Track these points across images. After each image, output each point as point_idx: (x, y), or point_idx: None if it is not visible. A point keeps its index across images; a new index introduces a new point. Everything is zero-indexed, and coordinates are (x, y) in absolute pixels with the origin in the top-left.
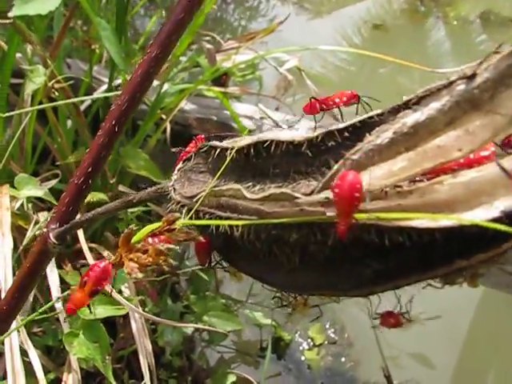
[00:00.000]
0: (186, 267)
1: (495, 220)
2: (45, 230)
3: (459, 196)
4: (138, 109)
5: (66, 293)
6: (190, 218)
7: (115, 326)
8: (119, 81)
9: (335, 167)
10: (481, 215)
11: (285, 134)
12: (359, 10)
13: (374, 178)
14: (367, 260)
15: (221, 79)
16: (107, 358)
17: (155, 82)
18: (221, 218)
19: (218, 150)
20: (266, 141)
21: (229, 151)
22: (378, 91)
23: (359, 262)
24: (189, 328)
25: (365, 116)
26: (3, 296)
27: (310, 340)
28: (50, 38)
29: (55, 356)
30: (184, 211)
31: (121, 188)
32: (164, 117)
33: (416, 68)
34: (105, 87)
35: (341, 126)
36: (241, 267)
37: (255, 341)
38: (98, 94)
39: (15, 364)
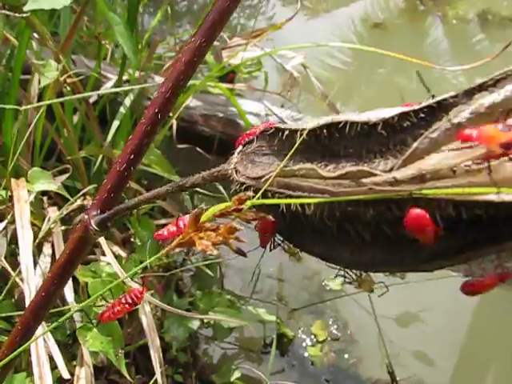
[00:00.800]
0: (190, 264)
1: None
2: (85, 216)
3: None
4: (145, 105)
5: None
6: (258, 199)
7: (121, 323)
8: (125, 77)
9: (414, 145)
10: None
11: (356, 116)
12: (358, 9)
13: (443, 157)
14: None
15: (227, 76)
16: (120, 351)
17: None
18: (291, 197)
19: (287, 132)
20: (340, 122)
21: (299, 133)
22: (378, 90)
23: None
24: (194, 323)
25: (439, 98)
26: (25, 285)
27: (313, 336)
28: (54, 34)
29: (64, 351)
30: (250, 192)
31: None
32: (170, 113)
33: (414, 64)
34: (111, 83)
35: (416, 107)
36: (304, 246)
37: (258, 337)
38: (107, 89)
39: (40, 356)
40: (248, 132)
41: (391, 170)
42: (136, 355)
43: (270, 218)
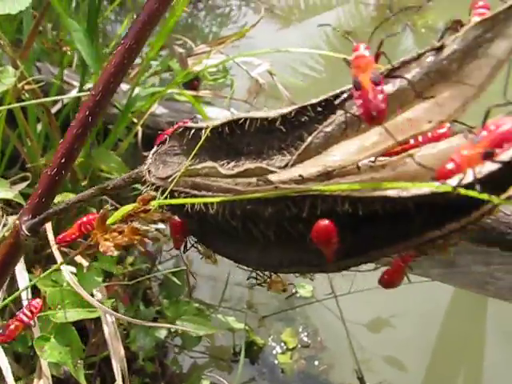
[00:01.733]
0: (158, 272)
1: (466, 187)
2: (17, 222)
3: (430, 166)
4: (108, 112)
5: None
6: (166, 199)
7: (86, 332)
8: (90, 85)
9: (308, 140)
10: (451, 182)
11: (259, 113)
12: (329, 19)
13: (347, 153)
14: (340, 233)
15: (192, 83)
16: (79, 361)
17: (126, 86)
18: (195, 197)
19: (193, 131)
20: (240, 119)
21: (203, 131)
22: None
23: None
24: (161, 333)
25: (338, 91)
26: None
27: (283, 344)
28: (19, 41)
29: (25, 363)
30: (159, 192)
31: None
32: (135, 121)
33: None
34: (76, 91)
35: (314, 101)
36: (216, 248)
37: (228, 345)
38: (69, 95)
39: None
40: (163, 132)
41: (286, 166)
42: (101, 366)
43: (176, 218)
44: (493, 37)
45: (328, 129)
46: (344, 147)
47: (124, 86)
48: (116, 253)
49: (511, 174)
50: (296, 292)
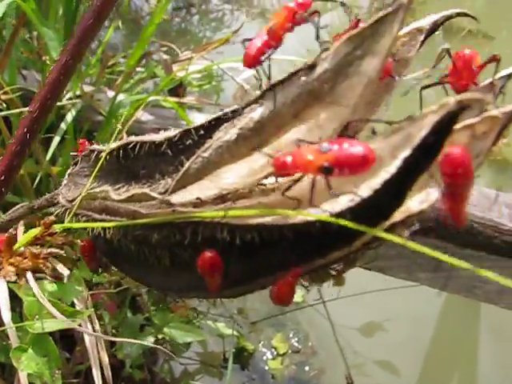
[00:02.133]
0: None
1: (340, 215)
2: None
3: (317, 191)
4: (93, 120)
5: None
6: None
7: (73, 341)
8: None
9: (186, 165)
10: (328, 209)
11: (152, 136)
12: (324, 21)
13: (239, 176)
14: (232, 260)
15: (176, 90)
16: (57, 372)
17: (112, 93)
18: (95, 220)
19: (95, 153)
20: (131, 142)
21: (102, 154)
22: None
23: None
24: (149, 340)
25: (220, 113)
26: None
27: (273, 349)
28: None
29: (8, 374)
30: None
31: None
32: (120, 127)
33: None
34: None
35: (197, 123)
36: (124, 270)
37: (219, 352)
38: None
39: None
40: (76, 152)
41: (166, 192)
42: (88, 374)
43: (79, 242)
44: (363, 54)
45: (206, 154)
46: (235, 170)
47: (110, 93)
48: (14, 277)
49: (389, 201)
50: None
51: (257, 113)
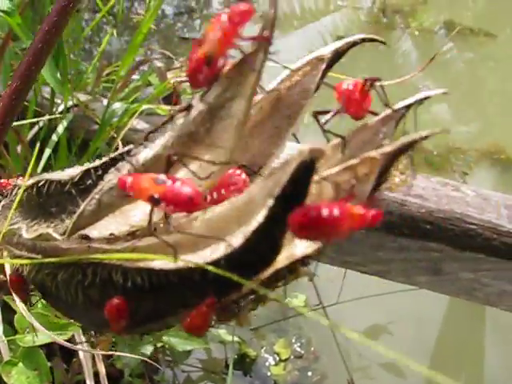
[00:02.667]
0: None
1: (216, 262)
2: None
3: (202, 233)
4: (89, 128)
5: None
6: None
7: (70, 351)
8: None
9: (81, 207)
10: (206, 256)
11: (60, 174)
12: (327, 24)
13: (144, 213)
14: (141, 298)
15: (171, 98)
16: None
17: (106, 102)
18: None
19: (16, 188)
20: (42, 180)
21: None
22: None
23: None
24: (147, 348)
25: (116, 153)
26: None
27: (275, 355)
28: None
29: None
30: None
31: None
32: (115, 136)
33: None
34: (60, 108)
35: (96, 163)
36: (52, 304)
37: (221, 358)
38: (40, 119)
39: None
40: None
41: (64, 233)
42: None
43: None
44: (231, 96)
45: (98, 196)
46: (140, 208)
47: (106, 102)
48: None
49: (266, 248)
50: (288, 302)
51: (142, 155)
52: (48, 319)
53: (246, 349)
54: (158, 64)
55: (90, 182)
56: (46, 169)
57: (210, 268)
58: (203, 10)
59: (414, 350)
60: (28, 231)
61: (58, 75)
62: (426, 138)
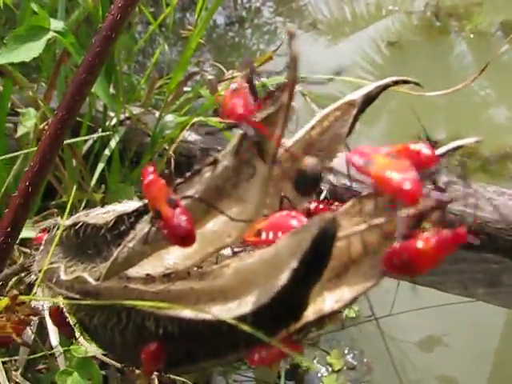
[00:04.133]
0: None
1: (242, 317)
2: None
3: (231, 282)
4: (142, 141)
5: None
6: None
7: None
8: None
9: (114, 255)
10: (234, 309)
11: (96, 218)
12: (379, 30)
13: (178, 257)
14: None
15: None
16: None
17: (157, 113)
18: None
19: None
20: (79, 223)
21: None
22: (395, 118)
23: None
24: None
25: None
26: None
27: (328, 366)
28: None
29: None
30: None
31: None
32: (167, 148)
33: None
34: (114, 120)
35: (128, 209)
36: (90, 338)
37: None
38: (91, 136)
39: None
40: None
41: (98, 279)
42: None
43: (44, 314)
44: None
45: (131, 244)
46: (173, 253)
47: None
48: None
49: (293, 304)
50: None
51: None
52: None
53: (298, 359)
54: (209, 76)
55: (123, 228)
56: (100, 182)
57: (234, 323)
58: (254, 19)
59: (470, 362)
60: (66, 272)
61: (111, 89)
62: (448, 202)
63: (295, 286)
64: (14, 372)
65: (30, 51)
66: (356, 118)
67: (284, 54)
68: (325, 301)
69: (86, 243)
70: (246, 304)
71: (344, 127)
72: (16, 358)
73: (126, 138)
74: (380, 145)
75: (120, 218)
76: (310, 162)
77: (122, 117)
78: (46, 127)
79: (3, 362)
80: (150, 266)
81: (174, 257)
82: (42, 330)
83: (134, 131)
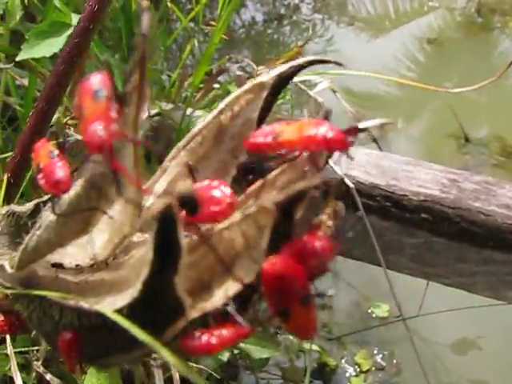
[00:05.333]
0: None
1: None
2: None
3: (128, 274)
4: (170, 137)
5: None
6: None
7: None
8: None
9: (24, 243)
10: (114, 303)
11: (27, 205)
12: (420, 26)
13: (96, 247)
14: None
15: None
16: None
17: (189, 111)
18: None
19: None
20: (9, 211)
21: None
22: (435, 117)
23: None
24: (224, 354)
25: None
26: None
27: (356, 366)
28: None
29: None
30: None
31: None
32: None
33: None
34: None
35: (45, 198)
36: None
37: (301, 367)
38: None
39: None
40: None
41: (12, 267)
42: None
43: None
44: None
45: (38, 232)
46: (95, 242)
47: (188, 111)
48: None
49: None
50: (371, 312)
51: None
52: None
53: (326, 358)
54: (238, 72)
55: (40, 215)
56: None
57: (112, 316)
58: (292, 16)
59: (504, 366)
60: None
61: None
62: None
63: (158, 278)
64: (35, 362)
65: (51, 46)
66: (268, 101)
67: (323, 51)
68: (211, 298)
69: (15, 232)
70: (125, 297)
71: (254, 111)
72: (37, 348)
73: (155, 134)
74: (419, 143)
75: (37, 206)
76: (183, 187)
77: (152, 112)
78: (70, 121)
79: (25, 352)
80: (80, 256)
81: (94, 246)
82: None
83: (164, 127)
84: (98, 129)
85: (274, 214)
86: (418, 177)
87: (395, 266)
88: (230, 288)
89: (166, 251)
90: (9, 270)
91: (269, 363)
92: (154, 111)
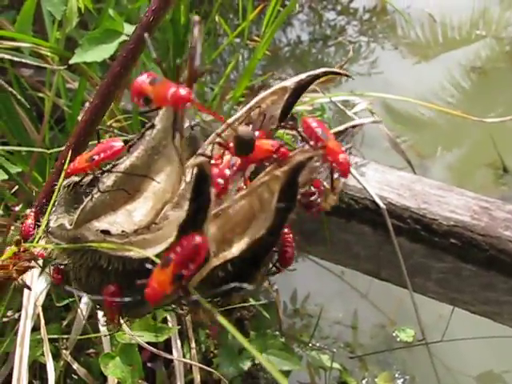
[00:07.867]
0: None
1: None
2: None
3: (164, 231)
4: None
5: None
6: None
7: None
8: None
9: (83, 204)
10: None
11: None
12: (467, 54)
13: (140, 214)
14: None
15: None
16: (139, 381)
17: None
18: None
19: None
20: (70, 182)
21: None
22: (475, 145)
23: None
24: (245, 364)
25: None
26: None
27: None
28: None
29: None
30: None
31: None
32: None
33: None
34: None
35: (104, 169)
36: (80, 286)
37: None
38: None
39: None
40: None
41: (71, 225)
42: None
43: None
44: None
45: (96, 195)
46: (139, 210)
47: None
48: None
49: None
50: (396, 336)
51: (123, 164)
52: (146, 321)
53: (346, 377)
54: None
55: (98, 181)
56: None
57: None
58: (338, 37)
59: None
60: (55, 221)
61: None
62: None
63: (188, 223)
64: (64, 351)
65: (102, 52)
66: (288, 103)
67: (367, 73)
68: (231, 249)
69: (74, 198)
70: (163, 245)
71: (278, 110)
72: (67, 336)
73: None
74: (456, 171)
75: (95, 177)
76: (242, 129)
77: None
78: (114, 124)
79: (54, 340)
80: (126, 224)
81: (139, 214)
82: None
83: (203, 137)
84: (179, 88)
85: (282, 180)
86: (450, 202)
87: (421, 289)
88: (245, 242)
89: (199, 200)
90: (68, 226)
91: (290, 380)
92: (194, 121)
